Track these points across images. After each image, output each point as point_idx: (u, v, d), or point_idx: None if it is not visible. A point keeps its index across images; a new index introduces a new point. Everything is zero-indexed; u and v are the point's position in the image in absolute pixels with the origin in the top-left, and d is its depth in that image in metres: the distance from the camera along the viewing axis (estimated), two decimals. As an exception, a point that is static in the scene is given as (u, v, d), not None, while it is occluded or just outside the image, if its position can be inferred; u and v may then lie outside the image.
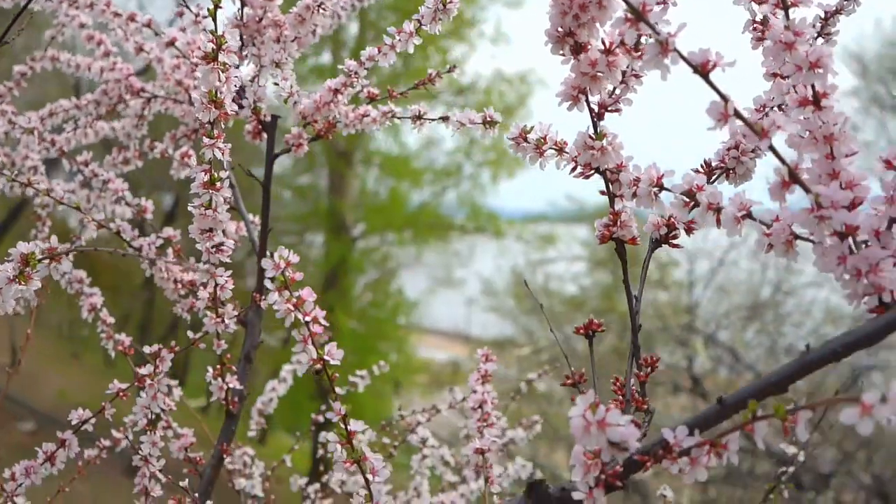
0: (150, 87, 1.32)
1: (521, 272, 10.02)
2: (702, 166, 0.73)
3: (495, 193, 11.71)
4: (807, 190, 0.54)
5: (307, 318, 0.66)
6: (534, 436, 1.60)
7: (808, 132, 0.58)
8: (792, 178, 0.55)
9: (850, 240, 0.55)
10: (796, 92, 0.58)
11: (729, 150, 0.72)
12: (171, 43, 1.09)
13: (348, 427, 0.68)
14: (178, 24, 1.18)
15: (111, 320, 1.14)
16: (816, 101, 0.57)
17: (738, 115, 0.54)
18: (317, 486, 1.37)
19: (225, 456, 1.04)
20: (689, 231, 0.71)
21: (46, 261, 0.68)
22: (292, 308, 0.66)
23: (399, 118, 1.03)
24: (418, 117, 1.00)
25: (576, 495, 0.58)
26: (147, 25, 1.15)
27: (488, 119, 0.88)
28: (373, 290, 11.78)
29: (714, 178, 0.73)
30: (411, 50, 0.95)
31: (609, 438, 0.53)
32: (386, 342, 11.01)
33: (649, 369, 0.67)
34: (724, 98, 0.54)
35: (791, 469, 1.16)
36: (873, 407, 0.42)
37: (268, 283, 0.66)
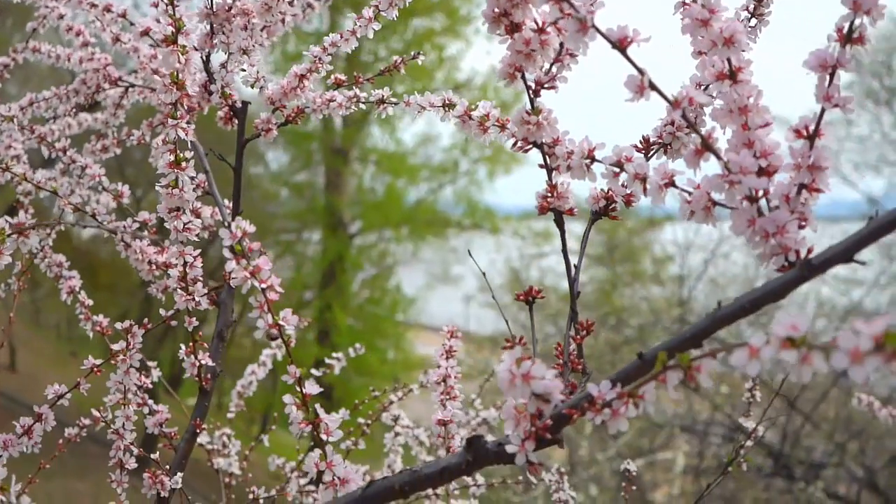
0: (133, 77, 1.36)
1: (516, 267, 10.05)
2: (640, 142, 0.76)
3: (492, 190, 11.76)
4: (718, 157, 0.58)
5: (264, 286, 0.70)
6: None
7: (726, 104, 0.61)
8: (705, 146, 0.58)
9: (763, 203, 0.59)
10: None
11: (665, 125, 0.76)
12: (146, 32, 1.13)
13: (303, 389, 0.72)
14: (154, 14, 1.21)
15: (90, 302, 1.17)
16: (732, 74, 0.60)
17: (652, 86, 0.57)
18: (293, 464, 1.40)
19: (198, 431, 1.07)
20: (628, 203, 0.75)
21: (15, 235, 0.71)
22: (249, 276, 0.69)
23: (364, 103, 1.06)
24: (382, 101, 1.04)
25: (509, 448, 0.61)
26: (122, 16, 1.18)
27: (447, 102, 0.91)
28: (370, 287, 11.83)
29: (652, 152, 0.76)
30: (370, 35, 0.99)
31: (533, 390, 0.57)
32: (384, 339, 11.05)
33: (585, 332, 0.71)
34: (641, 71, 0.57)
35: (750, 443, 1.20)
36: (760, 349, 0.45)
37: (226, 253, 0.69)
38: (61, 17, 1.30)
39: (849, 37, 0.58)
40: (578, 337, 0.70)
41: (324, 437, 0.72)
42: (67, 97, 1.32)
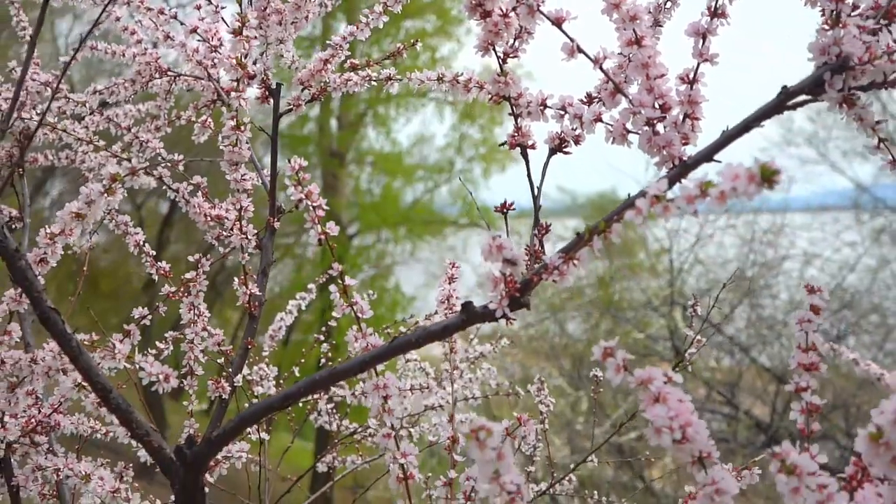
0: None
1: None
2: (586, 96, 1.03)
3: (488, 188, 12.02)
4: (626, 96, 0.85)
5: (315, 205, 0.97)
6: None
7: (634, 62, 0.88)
8: (616, 89, 0.85)
9: (659, 127, 0.86)
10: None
11: (603, 84, 1.02)
12: (194, 30, 1.39)
13: (345, 281, 0.99)
14: (197, 14, 1.48)
15: (153, 253, 1.44)
16: (637, 41, 0.87)
17: (580, 50, 0.84)
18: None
19: (249, 347, 1.34)
20: (576, 142, 1.02)
21: (129, 176, 0.98)
22: (304, 197, 0.96)
23: (374, 81, 1.33)
24: (389, 78, 1.31)
25: (491, 305, 0.88)
26: (174, 17, 1.45)
27: (440, 76, 1.18)
28: (370, 288, 12.07)
29: (592, 104, 1.03)
30: (381, 26, 1.26)
31: (504, 256, 0.84)
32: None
33: (545, 231, 0.98)
34: (571, 39, 0.84)
35: (696, 350, 1.46)
36: (642, 208, 0.72)
37: (287, 181, 0.96)
38: (118, 19, 1.57)
39: (714, 12, 0.85)
40: (540, 235, 0.98)
41: (359, 315, 0.99)
42: (123, 87, 1.59)
